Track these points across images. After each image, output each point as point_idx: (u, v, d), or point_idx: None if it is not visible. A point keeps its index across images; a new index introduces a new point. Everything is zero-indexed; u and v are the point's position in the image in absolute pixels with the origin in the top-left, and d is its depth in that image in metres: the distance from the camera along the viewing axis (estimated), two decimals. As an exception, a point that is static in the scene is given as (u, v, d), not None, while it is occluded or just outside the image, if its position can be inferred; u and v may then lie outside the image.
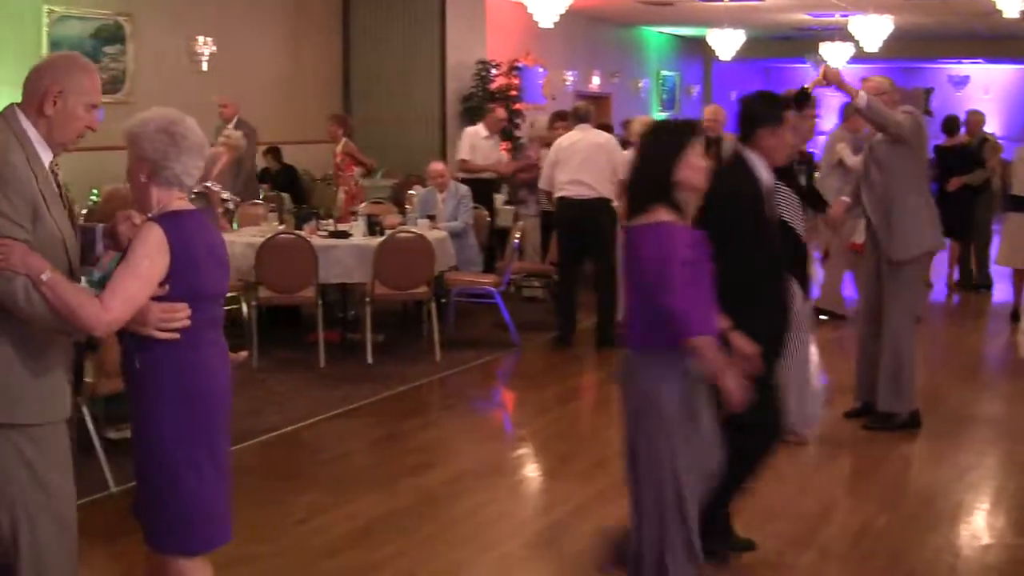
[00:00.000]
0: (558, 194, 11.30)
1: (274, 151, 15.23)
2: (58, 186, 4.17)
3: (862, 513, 6.86)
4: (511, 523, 6.63)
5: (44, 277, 3.76)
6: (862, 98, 7.95)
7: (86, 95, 4.19)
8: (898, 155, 8.22)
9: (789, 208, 6.56)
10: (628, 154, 10.94)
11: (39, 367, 3.99)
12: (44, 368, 4.01)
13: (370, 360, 10.24)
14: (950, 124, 14.78)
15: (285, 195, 14.21)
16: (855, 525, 6.67)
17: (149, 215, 4.02)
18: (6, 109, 4.13)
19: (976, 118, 15.03)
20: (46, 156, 4.13)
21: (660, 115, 27.01)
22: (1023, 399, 9.84)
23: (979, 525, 6.84)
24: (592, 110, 11.84)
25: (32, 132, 4.09)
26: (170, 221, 3.96)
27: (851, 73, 27.48)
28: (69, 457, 4.18)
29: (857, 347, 8.77)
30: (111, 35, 14.32)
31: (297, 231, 10.60)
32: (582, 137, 11.33)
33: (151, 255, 3.88)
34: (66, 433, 4.20)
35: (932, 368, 10.23)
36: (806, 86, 7.95)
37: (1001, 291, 14.46)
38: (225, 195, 10.71)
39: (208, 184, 10.39)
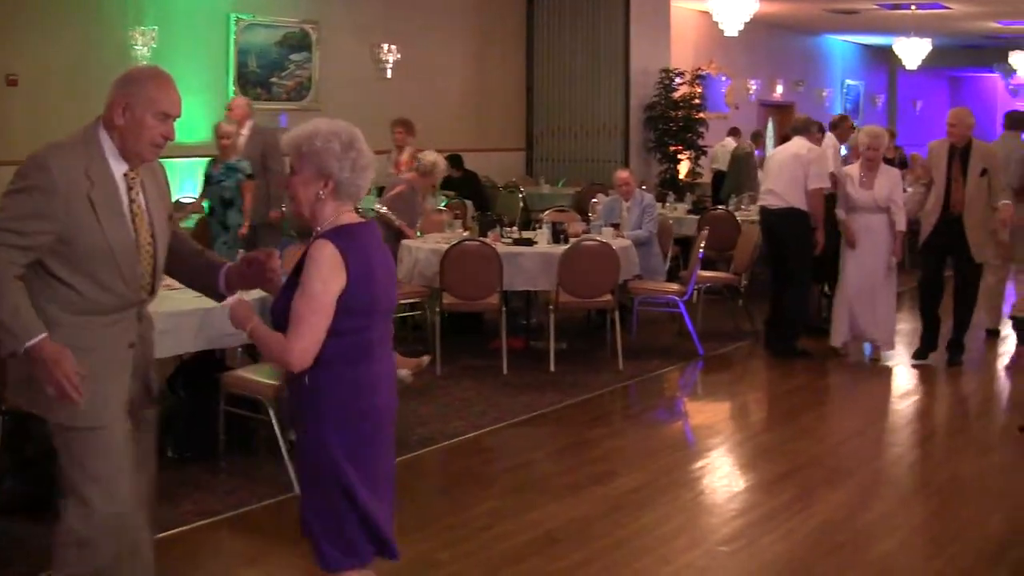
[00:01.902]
0: (759, 203, 11.63)
1: (455, 158, 15.30)
2: (132, 199, 4.25)
3: (964, 519, 6.80)
4: (692, 535, 6.57)
5: (248, 325, 3.98)
6: None
7: (154, 104, 4.22)
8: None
9: None
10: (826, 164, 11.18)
11: (85, 376, 4.09)
12: (90, 376, 4.11)
13: (553, 368, 10.25)
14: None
15: (468, 202, 14.29)
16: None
17: (320, 230, 3.99)
18: (94, 120, 4.24)
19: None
20: (118, 167, 4.23)
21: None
22: None
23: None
24: (809, 122, 11.74)
25: (107, 143, 4.20)
26: (344, 236, 3.95)
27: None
28: (125, 459, 4.33)
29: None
30: (297, 42, 14.62)
31: (482, 238, 10.66)
32: (784, 148, 11.49)
33: (324, 278, 3.87)
34: (122, 436, 4.33)
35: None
36: None
37: None
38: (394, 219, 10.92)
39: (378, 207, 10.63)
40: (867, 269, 10.73)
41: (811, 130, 11.41)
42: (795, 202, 10.95)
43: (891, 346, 11.01)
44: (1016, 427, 8.47)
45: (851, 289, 10.80)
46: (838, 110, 27.90)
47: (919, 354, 10.82)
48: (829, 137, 12.27)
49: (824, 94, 27.54)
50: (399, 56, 15.66)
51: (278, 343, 3.89)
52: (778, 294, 11.32)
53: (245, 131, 11.29)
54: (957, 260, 10.46)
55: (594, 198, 13.48)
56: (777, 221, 11.16)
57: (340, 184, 3.95)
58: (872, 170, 10.72)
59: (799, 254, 11.02)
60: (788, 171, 11.07)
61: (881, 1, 20.52)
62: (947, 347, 10.76)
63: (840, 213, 10.82)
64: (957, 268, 10.53)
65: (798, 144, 11.26)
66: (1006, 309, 12.11)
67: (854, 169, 10.90)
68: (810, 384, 10.44)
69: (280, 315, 3.96)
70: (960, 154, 10.36)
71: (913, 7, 20.85)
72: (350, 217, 4.03)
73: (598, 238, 10.78)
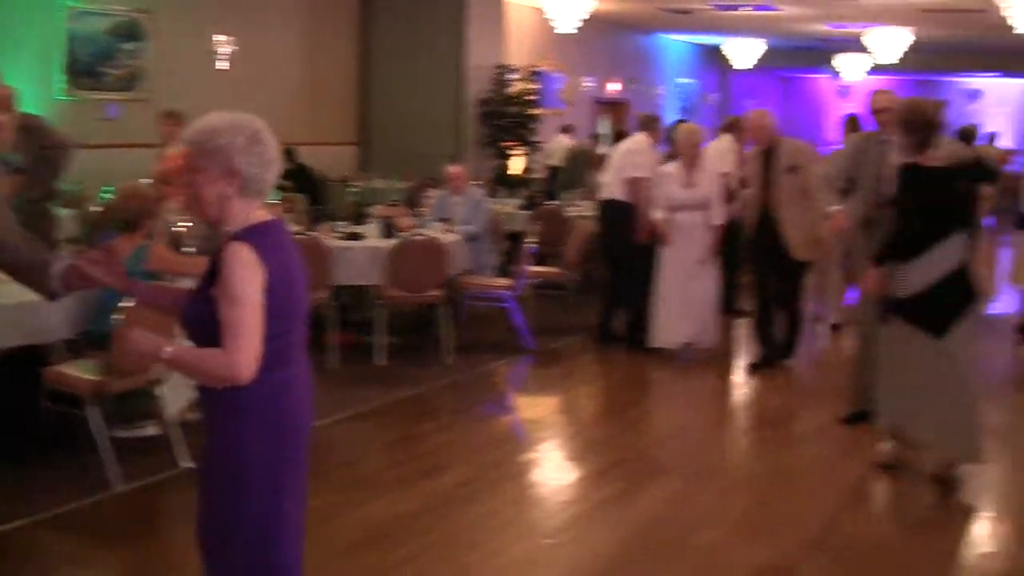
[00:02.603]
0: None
1: (288, 151, 15.02)
2: None
3: (870, 522, 6.96)
4: (521, 528, 6.61)
5: (165, 355, 3.65)
6: None
7: None
8: None
9: None
10: (645, 156, 11.21)
11: None
12: None
13: (382, 363, 10.24)
14: (968, 134, 14.84)
15: (301, 196, 14.17)
16: (863, 533, 6.70)
17: (231, 231, 3.71)
18: None
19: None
20: None
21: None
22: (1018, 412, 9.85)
23: (983, 533, 6.89)
24: (652, 119, 11.86)
25: None
26: (258, 235, 3.68)
27: (865, 85, 27.65)
28: None
29: (859, 353, 8.79)
30: (129, 32, 14.34)
31: (311, 232, 10.59)
32: (622, 143, 11.96)
33: (248, 280, 3.58)
34: None
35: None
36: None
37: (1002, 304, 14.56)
38: None
39: None
40: (688, 268, 10.73)
41: (653, 127, 11.53)
42: (618, 193, 11.15)
43: (713, 344, 11.05)
44: (837, 419, 8.69)
45: (672, 288, 10.76)
46: (671, 108, 28.26)
47: (758, 365, 10.66)
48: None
49: (658, 92, 27.87)
50: (235, 47, 15.49)
51: (217, 359, 3.57)
52: (613, 286, 11.44)
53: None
54: (779, 260, 10.39)
55: (426, 193, 13.48)
56: (604, 212, 11.48)
57: (247, 181, 3.68)
58: (693, 168, 10.75)
59: (624, 244, 11.17)
60: (616, 164, 11.36)
61: (715, 1, 20.82)
62: (779, 347, 10.78)
63: (657, 212, 10.80)
64: (779, 268, 10.48)
65: (634, 139, 11.47)
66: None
67: (675, 168, 10.88)
68: (638, 379, 10.57)
69: (198, 326, 3.70)
70: (767, 155, 10.35)
71: (746, 8, 21.20)
72: (261, 215, 3.77)
73: (428, 233, 10.79)
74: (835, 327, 12.49)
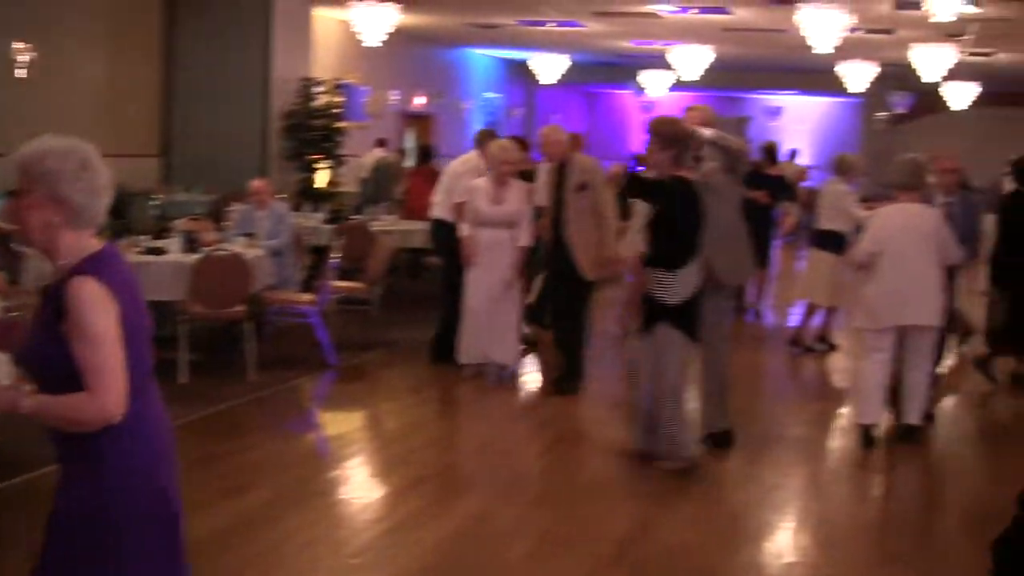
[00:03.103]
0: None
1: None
2: None
3: (673, 532, 7.02)
4: (326, 547, 6.57)
5: (26, 409, 3.45)
6: (705, 132, 8.39)
7: None
8: (729, 182, 8.49)
9: None
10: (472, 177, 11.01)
11: None
12: None
13: (185, 379, 10.08)
14: (771, 151, 15.20)
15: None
16: (667, 543, 6.81)
17: (68, 264, 3.52)
18: None
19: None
20: None
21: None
22: (824, 421, 10.11)
23: (784, 543, 7.03)
24: (486, 135, 11.81)
25: None
26: (98, 265, 3.51)
27: (669, 101, 28.10)
28: None
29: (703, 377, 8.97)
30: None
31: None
32: (454, 161, 11.98)
33: (100, 314, 3.41)
34: None
35: (738, 390, 10.45)
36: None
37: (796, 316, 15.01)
38: None
39: None
40: (493, 286, 10.57)
41: (487, 143, 11.53)
42: (446, 214, 11.19)
43: (515, 363, 10.97)
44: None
45: (476, 307, 10.62)
46: (478, 123, 28.38)
47: (563, 387, 10.49)
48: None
49: (464, 106, 27.97)
50: (34, 55, 15.13)
51: (85, 404, 3.39)
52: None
53: None
54: (568, 279, 10.33)
55: (230, 207, 13.34)
56: (433, 231, 11.62)
57: (76, 209, 3.50)
58: (504, 185, 10.59)
59: (445, 263, 11.25)
60: (446, 185, 11.43)
61: (521, 17, 20.97)
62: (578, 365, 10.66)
63: (464, 229, 10.71)
64: (566, 287, 10.42)
65: (464, 158, 11.56)
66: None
67: (484, 183, 10.72)
68: (442, 395, 10.61)
69: (45, 367, 3.49)
70: (559, 171, 10.33)
71: (551, 24, 21.40)
72: (94, 244, 3.57)
73: (231, 248, 10.68)
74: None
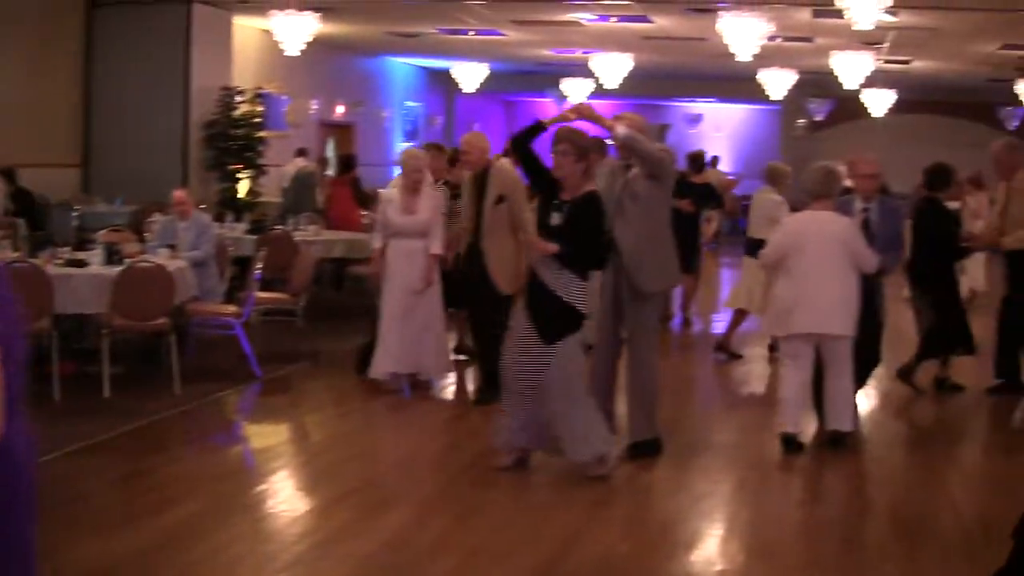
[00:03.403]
0: None
1: (7, 173, 14.33)
2: None
3: (603, 542, 7.01)
4: (255, 561, 6.50)
5: None
6: (621, 131, 8.18)
7: None
8: (653, 189, 8.46)
9: None
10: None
11: None
12: None
13: (108, 394, 9.95)
14: (697, 159, 15.29)
15: (20, 220, 13.70)
16: (597, 553, 6.79)
17: None
18: None
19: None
20: None
21: (405, 145, 27.09)
22: (753, 428, 10.14)
23: (714, 551, 7.04)
24: (431, 147, 11.91)
25: None
26: None
27: (598, 108, 28.01)
28: None
29: (600, 379, 8.95)
30: None
31: (32, 259, 10.27)
32: None
33: None
34: None
35: (666, 398, 10.48)
36: (543, 120, 8.15)
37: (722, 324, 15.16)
38: None
39: None
40: (407, 297, 10.40)
41: (436, 155, 11.46)
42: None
43: (442, 375, 10.92)
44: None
45: (390, 318, 10.44)
46: (398, 132, 28.35)
47: (485, 399, 10.23)
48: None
49: (384, 115, 27.92)
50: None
51: None
52: None
53: None
54: (483, 291, 10.20)
55: (151, 218, 13.22)
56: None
57: None
58: (415, 194, 10.41)
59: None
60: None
61: (441, 25, 20.96)
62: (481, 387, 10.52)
63: (375, 240, 10.61)
64: (483, 299, 10.24)
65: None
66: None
67: (395, 193, 10.60)
68: (367, 407, 10.51)
69: None
70: (479, 181, 10.19)
71: (471, 33, 21.41)
72: None
73: (153, 259, 10.58)
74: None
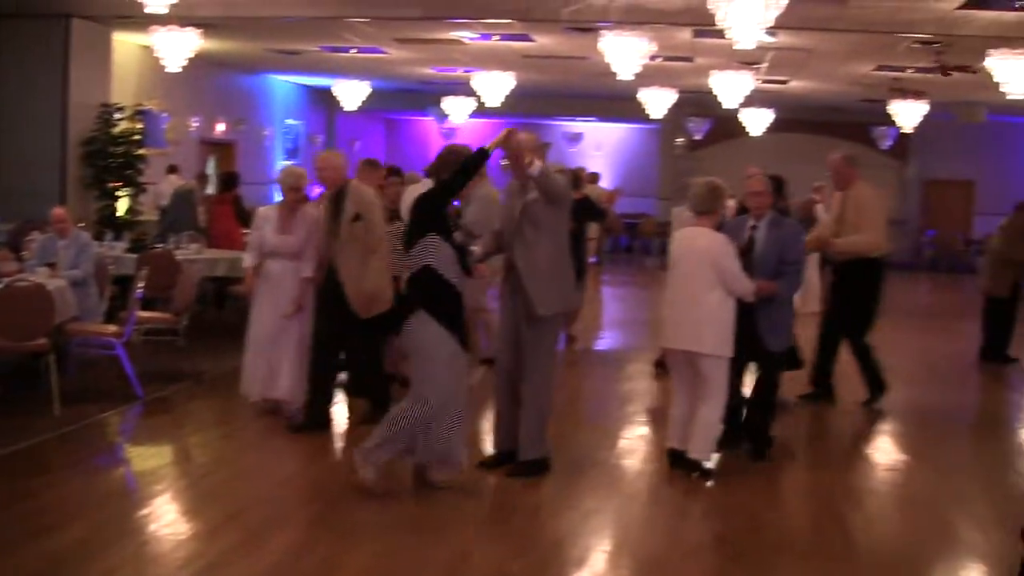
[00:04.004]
0: None
1: None
2: None
3: (494, 561, 7.01)
4: (140, 587, 6.42)
5: None
6: (534, 170, 8.25)
7: None
8: (552, 213, 8.51)
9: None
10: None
11: None
12: None
13: (-15, 416, 9.78)
14: (576, 177, 15.35)
15: None
16: (488, 573, 6.82)
17: None
18: None
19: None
20: None
21: (286, 163, 26.96)
22: (640, 444, 10.22)
23: (604, 567, 7.09)
24: (365, 164, 11.80)
25: None
26: None
27: (474, 127, 28.17)
28: None
29: (497, 398, 8.96)
30: None
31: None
32: None
33: None
34: None
35: (554, 414, 10.50)
36: (486, 147, 8.16)
37: (606, 341, 15.27)
38: None
39: None
40: (276, 321, 10.17)
41: (370, 172, 11.33)
42: None
43: (296, 400, 10.32)
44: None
45: (259, 340, 10.25)
46: (279, 150, 28.17)
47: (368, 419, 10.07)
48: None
49: (265, 133, 27.75)
50: None
51: None
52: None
53: None
54: (340, 314, 9.94)
55: (29, 236, 13.00)
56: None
57: None
58: (292, 212, 10.19)
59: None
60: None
61: (323, 43, 20.89)
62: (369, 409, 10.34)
63: (248, 258, 10.38)
64: (341, 322, 9.99)
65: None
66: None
67: (272, 211, 10.34)
68: (249, 427, 10.39)
69: None
70: (335, 199, 9.92)
71: (353, 50, 21.36)
72: None
73: (32, 278, 10.40)
74: (485, 361, 12.56)
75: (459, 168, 8.11)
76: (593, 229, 17.07)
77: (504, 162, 8.89)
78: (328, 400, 10.30)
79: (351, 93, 24.28)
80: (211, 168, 24.84)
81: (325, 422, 10.18)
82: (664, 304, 9.05)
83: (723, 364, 8.84)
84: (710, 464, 9.05)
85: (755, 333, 9.21)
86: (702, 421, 8.90)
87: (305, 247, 10.15)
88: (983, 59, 15.53)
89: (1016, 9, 13.98)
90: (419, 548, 7.14)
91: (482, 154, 8.13)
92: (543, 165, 8.46)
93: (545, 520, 8.01)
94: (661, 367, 12.61)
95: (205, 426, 10.55)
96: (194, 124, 23.97)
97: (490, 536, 7.51)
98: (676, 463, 9.07)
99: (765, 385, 9.65)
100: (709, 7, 11.90)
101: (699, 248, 8.83)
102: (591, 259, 21.05)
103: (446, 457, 8.12)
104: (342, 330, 10.04)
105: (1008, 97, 16.11)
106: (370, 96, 24.87)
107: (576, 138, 34.43)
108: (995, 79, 15.57)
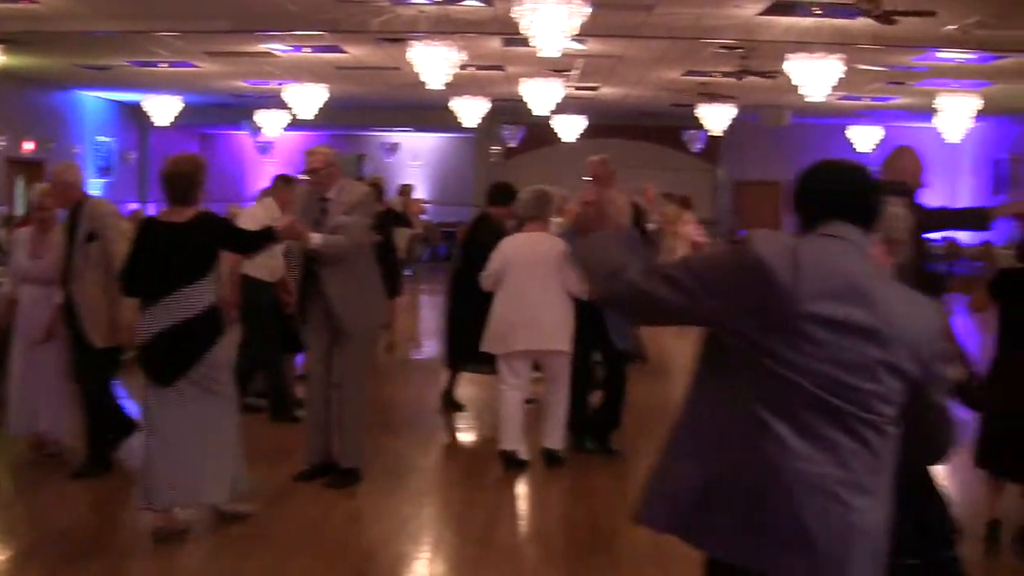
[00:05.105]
0: None
1: None
2: None
3: (308, 573, 7.04)
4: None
5: None
6: (315, 240, 8.35)
7: None
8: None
9: None
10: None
11: None
12: None
13: None
14: (378, 187, 15.38)
15: None
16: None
17: None
18: None
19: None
20: None
21: (97, 182, 26.52)
22: (461, 449, 10.31)
23: (422, 573, 7.21)
24: (279, 181, 11.62)
25: None
26: None
27: (289, 140, 28.09)
28: None
29: (309, 411, 8.96)
30: None
31: None
32: None
33: None
34: None
35: (376, 426, 10.54)
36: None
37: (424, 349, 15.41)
38: None
39: None
40: (40, 352, 9.33)
41: (283, 189, 11.17)
42: (257, 271, 10.86)
43: (63, 437, 9.57)
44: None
45: (20, 373, 9.40)
46: (90, 168, 27.66)
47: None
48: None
49: (76, 151, 27.26)
50: None
51: None
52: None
53: None
54: (76, 343, 8.99)
55: None
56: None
57: None
58: (44, 233, 9.35)
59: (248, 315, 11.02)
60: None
61: (132, 58, 20.61)
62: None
63: (6, 286, 9.72)
64: (77, 353, 9.05)
65: (257, 206, 11.48)
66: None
67: (27, 233, 9.53)
68: (29, 463, 9.65)
69: None
70: (71, 217, 8.94)
71: (163, 65, 21.13)
72: None
73: None
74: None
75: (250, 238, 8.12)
76: (404, 239, 17.08)
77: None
78: (105, 438, 9.23)
79: (162, 108, 24.05)
80: (20, 189, 24.32)
81: (107, 464, 9.17)
82: (503, 309, 9.17)
83: (568, 360, 9.27)
84: (557, 447, 9.48)
85: (603, 331, 9.50)
86: (555, 414, 9.41)
87: (58, 271, 9.08)
88: (783, 63, 15.96)
89: (813, 15, 14.40)
90: (229, 570, 7.11)
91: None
92: (319, 238, 8.41)
93: (361, 529, 8.03)
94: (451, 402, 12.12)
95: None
96: (1, 143, 23.48)
97: (303, 550, 7.46)
98: (511, 465, 9.24)
99: (614, 381, 9.95)
100: (513, 16, 12.07)
101: (540, 252, 9.14)
102: (406, 272, 21.11)
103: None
104: (81, 362, 9.04)
105: (807, 100, 16.59)
106: (183, 111, 24.64)
107: (393, 149, 34.43)
108: (794, 83, 16.01)
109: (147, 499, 7.51)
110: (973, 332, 16.10)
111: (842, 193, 3.72)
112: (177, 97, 23.95)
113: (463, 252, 11.29)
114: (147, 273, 7.54)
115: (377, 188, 15.29)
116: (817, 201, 3.74)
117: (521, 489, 9.11)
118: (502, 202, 10.98)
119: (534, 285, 9.05)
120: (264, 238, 8.13)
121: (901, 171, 7.48)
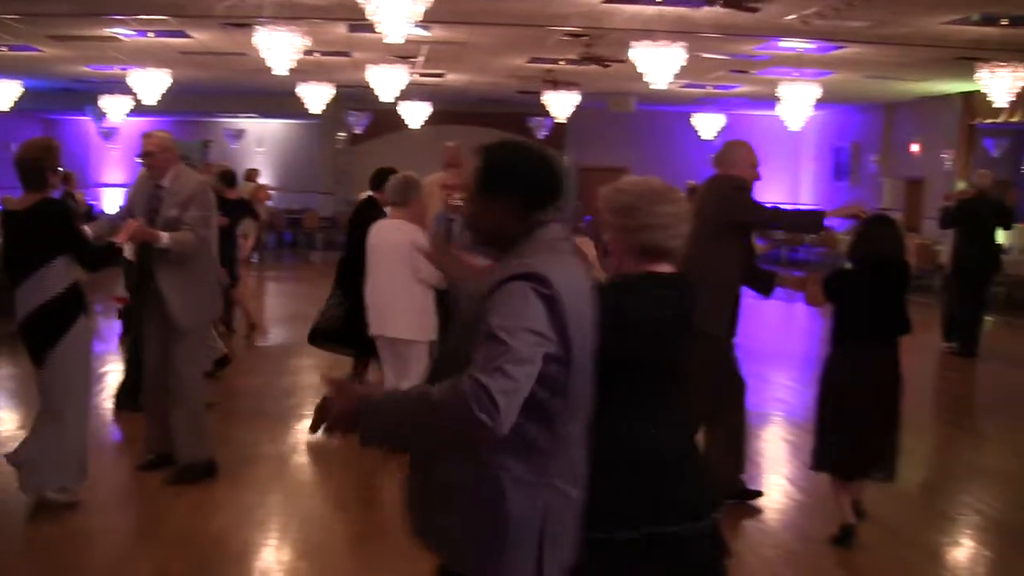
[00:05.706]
0: None
1: None
2: None
3: (154, 562, 7.02)
4: None
5: None
6: (164, 239, 8.26)
7: None
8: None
9: None
10: None
11: None
12: None
13: None
14: (227, 176, 15.24)
15: None
16: (149, 574, 6.80)
17: None
18: None
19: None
20: None
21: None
22: (301, 438, 10.30)
23: (268, 560, 7.23)
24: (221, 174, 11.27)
25: None
26: None
27: (133, 126, 27.69)
28: None
29: (145, 402, 8.91)
30: None
31: None
32: None
33: None
34: None
35: (221, 414, 10.49)
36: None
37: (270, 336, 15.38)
38: None
39: None
40: None
41: (226, 180, 10.90)
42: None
43: None
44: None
45: None
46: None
47: None
48: None
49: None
50: None
51: None
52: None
53: None
54: None
55: None
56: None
57: None
58: None
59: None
60: None
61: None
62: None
63: None
64: None
65: None
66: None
67: None
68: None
69: None
70: None
71: (4, 48, 20.70)
72: None
73: None
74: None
75: None
76: (250, 227, 16.93)
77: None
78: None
79: (2, 93, 23.56)
80: None
81: None
82: (367, 293, 9.20)
83: (423, 348, 9.11)
84: None
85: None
86: None
87: None
88: (627, 51, 16.14)
89: (656, 4, 14.61)
90: (73, 560, 7.05)
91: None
92: (169, 237, 8.33)
93: (206, 517, 7.96)
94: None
95: None
96: None
97: (148, 540, 7.47)
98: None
99: None
100: (358, 1, 12.06)
101: (394, 240, 9.10)
102: (253, 259, 20.98)
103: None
104: None
105: (651, 87, 16.80)
106: (23, 96, 24.18)
107: (239, 135, 34.13)
108: (638, 70, 16.20)
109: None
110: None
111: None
112: (17, 82, 23.48)
113: (348, 235, 11.16)
114: (6, 259, 7.74)
115: (228, 176, 15.18)
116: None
117: (367, 476, 9.14)
118: (383, 187, 11.03)
119: (384, 272, 9.07)
120: (107, 255, 8.08)
121: (734, 165, 7.66)
